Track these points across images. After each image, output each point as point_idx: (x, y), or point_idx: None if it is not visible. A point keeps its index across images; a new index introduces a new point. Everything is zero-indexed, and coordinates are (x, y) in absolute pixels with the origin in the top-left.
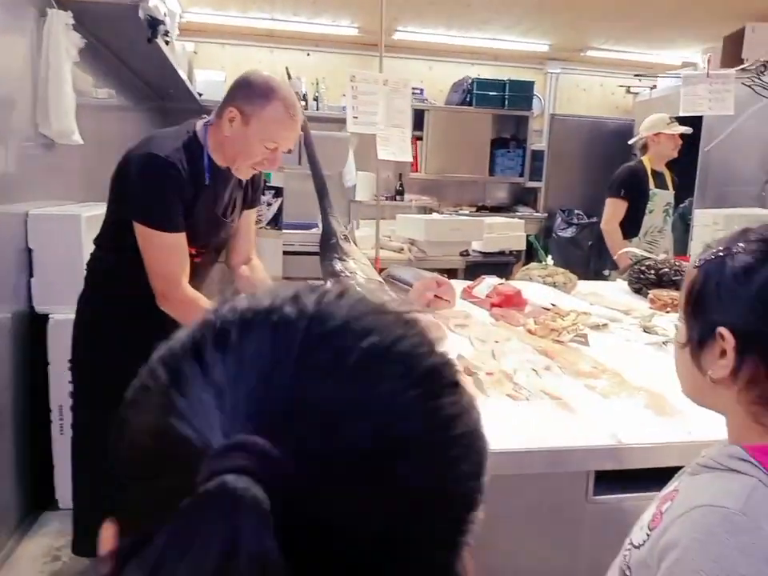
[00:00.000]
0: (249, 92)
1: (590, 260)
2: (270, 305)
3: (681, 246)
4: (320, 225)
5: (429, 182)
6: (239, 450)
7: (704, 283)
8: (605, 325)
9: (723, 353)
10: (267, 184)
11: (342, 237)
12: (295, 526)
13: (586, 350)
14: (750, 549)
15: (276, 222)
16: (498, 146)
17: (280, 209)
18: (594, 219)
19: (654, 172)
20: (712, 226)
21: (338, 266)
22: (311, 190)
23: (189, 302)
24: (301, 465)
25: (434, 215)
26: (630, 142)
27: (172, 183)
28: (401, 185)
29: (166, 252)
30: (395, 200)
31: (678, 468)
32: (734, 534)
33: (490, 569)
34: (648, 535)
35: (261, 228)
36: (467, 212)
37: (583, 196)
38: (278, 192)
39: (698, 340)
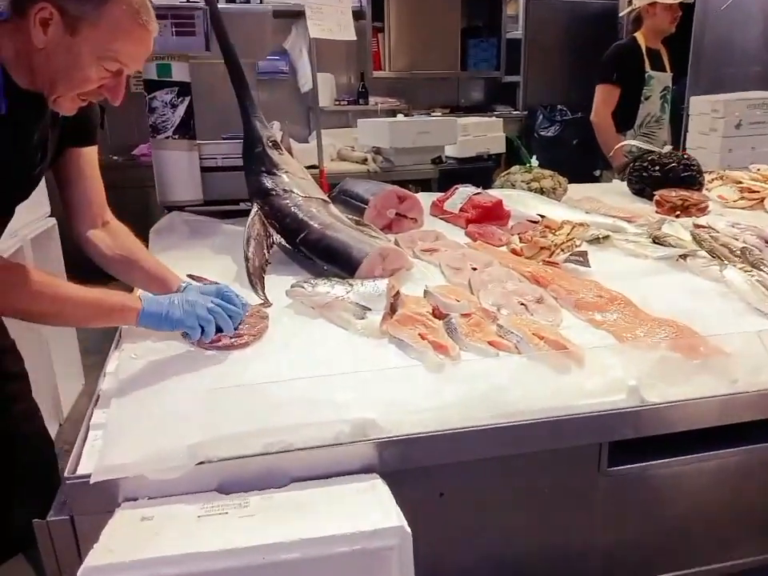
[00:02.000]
0: None
1: (576, 161)
2: None
3: (674, 138)
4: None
5: (395, 82)
6: None
7: None
8: (606, 237)
9: None
10: (167, 78)
11: (270, 143)
12: None
13: (587, 273)
14: None
15: (186, 129)
16: (469, 36)
17: (189, 112)
18: (580, 114)
19: (649, 50)
20: (710, 115)
21: (268, 182)
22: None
23: None
24: None
25: (400, 117)
26: (621, 14)
27: None
28: (363, 86)
29: None
30: (358, 104)
31: (719, 428)
32: None
33: (491, 560)
34: None
35: (166, 138)
36: (440, 114)
37: (566, 90)
38: (184, 88)
39: None
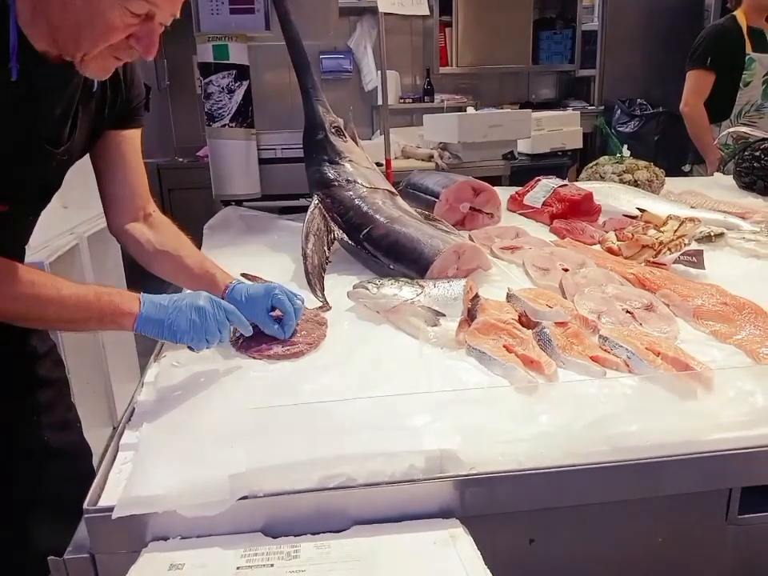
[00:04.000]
0: None
1: (657, 157)
2: None
3: None
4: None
5: (462, 78)
6: None
7: None
8: (719, 235)
9: None
10: (224, 61)
11: (333, 129)
12: None
13: (699, 276)
14: None
15: (244, 116)
16: (541, 29)
17: (247, 97)
18: (661, 109)
19: (750, 30)
20: None
21: (330, 172)
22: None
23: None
24: None
25: (469, 110)
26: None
27: None
28: (429, 83)
29: None
30: (423, 101)
31: None
32: None
33: None
34: None
35: (222, 126)
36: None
37: (646, 82)
38: (242, 72)
39: None
